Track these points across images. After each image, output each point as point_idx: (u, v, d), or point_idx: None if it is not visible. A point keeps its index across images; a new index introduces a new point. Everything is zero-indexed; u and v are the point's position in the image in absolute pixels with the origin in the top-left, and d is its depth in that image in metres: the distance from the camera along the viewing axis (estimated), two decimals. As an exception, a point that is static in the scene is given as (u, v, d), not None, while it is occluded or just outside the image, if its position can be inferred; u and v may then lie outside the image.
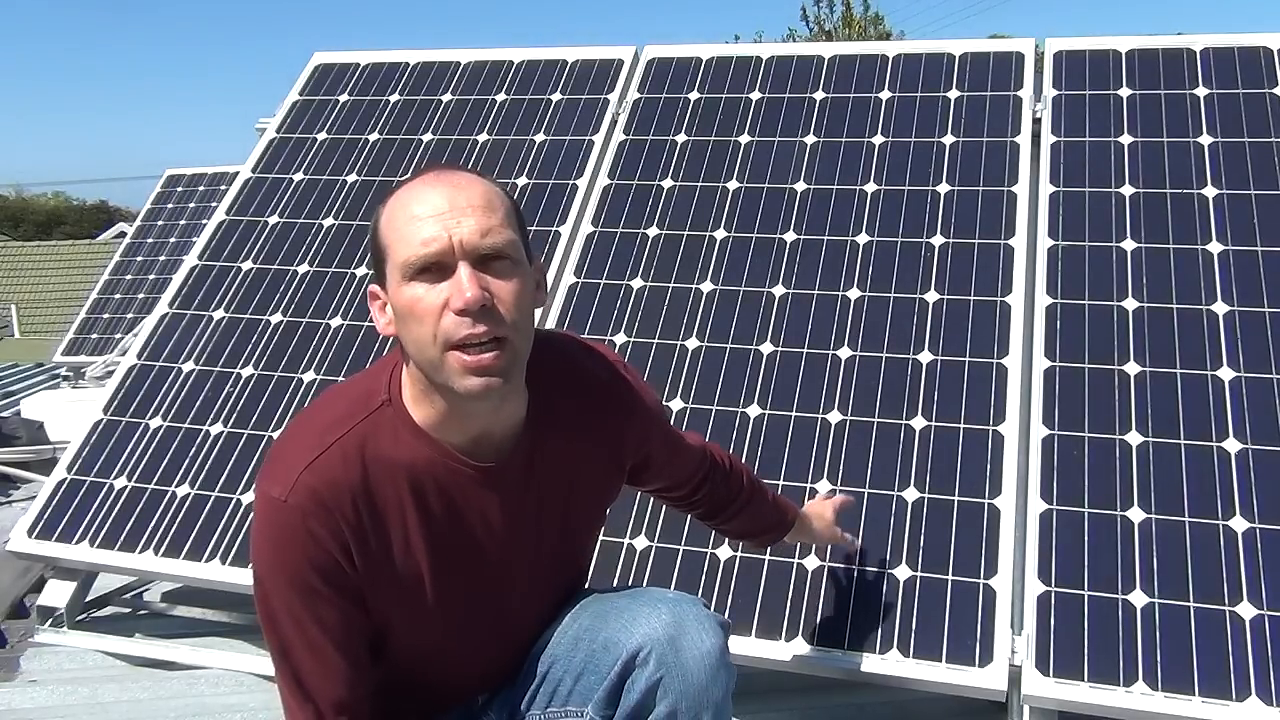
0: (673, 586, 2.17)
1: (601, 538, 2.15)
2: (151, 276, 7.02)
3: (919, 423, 2.31)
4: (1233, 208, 2.50)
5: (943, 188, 2.70)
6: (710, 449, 1.76)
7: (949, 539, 2.13)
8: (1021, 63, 2.92)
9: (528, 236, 1.36)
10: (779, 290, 2.60)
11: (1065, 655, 1.93)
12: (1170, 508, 2.08)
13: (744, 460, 2.29)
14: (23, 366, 7.27)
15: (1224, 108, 2.69)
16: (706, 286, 2.66)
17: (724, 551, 2.22)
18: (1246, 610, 1.93)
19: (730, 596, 2.14)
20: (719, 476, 1.76)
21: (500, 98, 3.26)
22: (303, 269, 2.97)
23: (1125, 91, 2.79)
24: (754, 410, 2.41)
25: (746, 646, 2.07)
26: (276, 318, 2.87)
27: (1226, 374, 2.24)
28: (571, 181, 2.97)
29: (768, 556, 2.19)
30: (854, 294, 2.55)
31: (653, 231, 2.80)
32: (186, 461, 2.62)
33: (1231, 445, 2.14)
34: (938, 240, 2.60)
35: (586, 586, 1.61)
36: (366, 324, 2.79)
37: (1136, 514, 2.08)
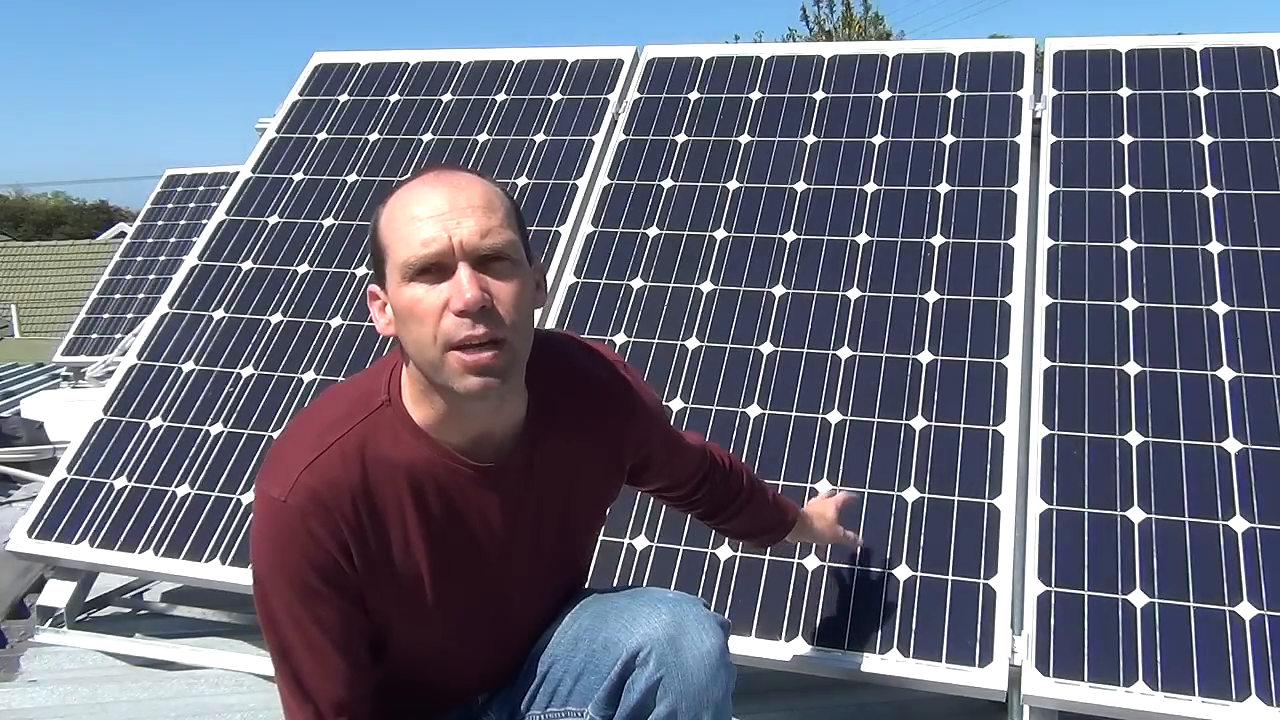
0: (673, 586, 2.17)
1: (601, 538, 2.15)
2: (151, 276, 7.02)
3: (919, 423, 2.31)
4: (1233, 208, 2.50)
5: (943, 188, 2.70)
6: (710, 449, 1.76)
7: (949, 539, 2.13)
8: (1021, 63, 2.92)
9: (528, 237, 1.36)
10: (779, 290, 2.60)
11: (1065, 655, 1.93)
12: (1170, 508, 2.08)
13: (744, 460, 2.29)
14: (23, 366, 7.27)
15: (1224, 108, 2.69)
16: (706, 286, 2.66)
17: (724, 551, 2.22)
18: (1246, 610, 1.93)
19: (730, 596, 2.14)
20: (719, 476, 1.76)
21: (500, 98, 3.26)
22: (303, 269, 2.97)
23: (1125, 91, 2.79)
24: (754, 410, 2.41)
25: (746, 646, 2.07)
26: (276, 318, 2.87)
27: (1226, 374, 2.24)
28: (571, 181, 2.97)
29: (768, 556, 2.19)
30: (854, 294, 2.55)
31: (653, 231, 2.80)
32: (186, 461, 2.62)
33: (1231, 445, 2.14)
34: (938, 240, 2.60)
35: (586, 586, 1.61)
36: (366, 324, 2.79)
37: (1136, 514, 2.08)
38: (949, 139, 2.79)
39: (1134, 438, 2.18)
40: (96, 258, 15.98)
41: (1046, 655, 1.94)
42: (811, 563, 2.16)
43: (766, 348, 2.51)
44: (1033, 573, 2.04)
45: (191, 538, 2.47)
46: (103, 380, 5.79)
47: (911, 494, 2.21)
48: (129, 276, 7.12)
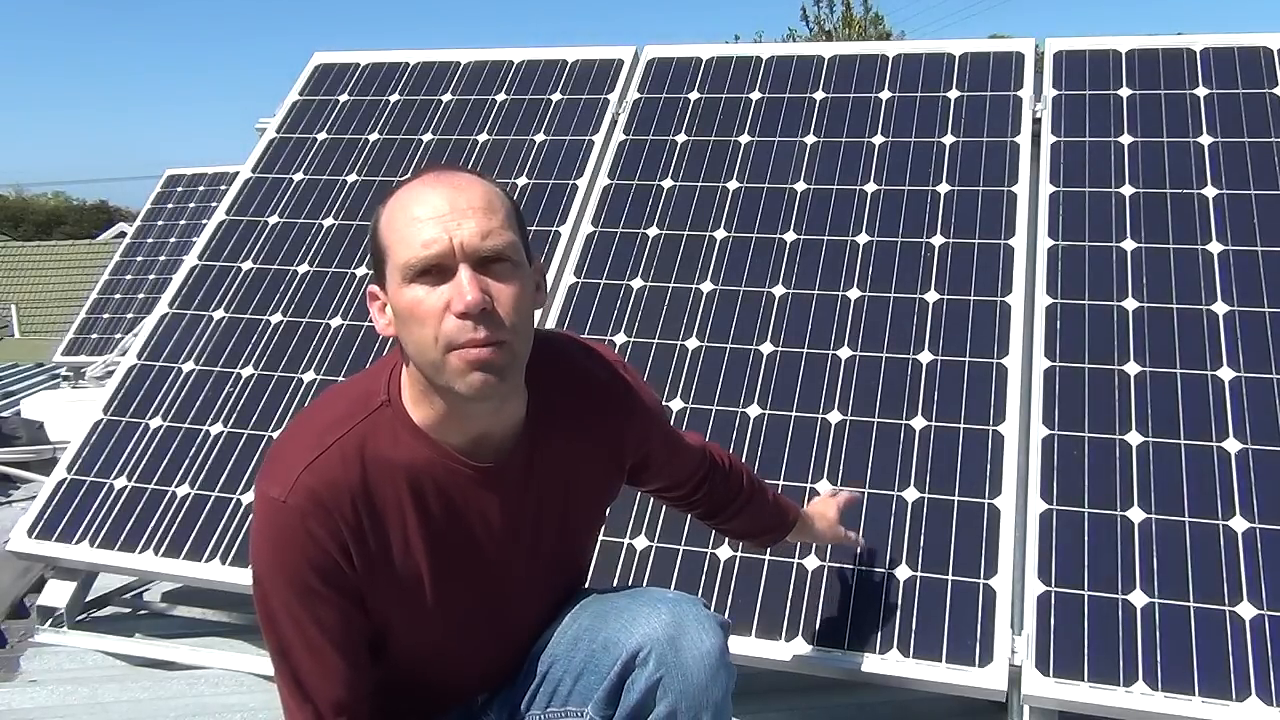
0: (673, 586, 2.17)
1: (601, 538, 2.15)
2: (151, 276, 7.02)
3: (919, 423, 2.31)
4: (1233, 208, 2.50)
5: (943, 188, 2.70)
6: (710, 449, 1.76)
7: (949, 539, 2.13)
8: (1021, 63, 2.92)
9: (528, 237, 1.36)
10: (779, 290, 2.60)
11: (1065, 655, 1.93)
12: (1170, 508, 2.08)
13: (744, 460, 2.28)
14: (23, 366, 7.27)
15: (1224, 108, 2.69)
16: (706, 286, 2.66)
17: (724, 551, 2.22)
18: (1246, 610, 1.93)
19: (730, 596, 2.14)
20: (719, 476, 1.76)
21: (500, 98, 3.26)
22: (303, 269, 2.97)
23: (1125, 91, 2.79)
24: (754, 410, 2.41)
25: (746, 646, 2.07)
26: (276, 318, 2.87)
27: (1226, 374, 2.24)
28: (571, 181, 2.97)
29: (768, 556, 2.19)
30: (854, 294, 2.55)
31: (653, 231, 2.80)
32: (186, 461, 2.62)
33: (1231, 445, 2.14)
34: (938, 240, 2.60)
35: (586, 586, 1.61)
36: (366, 324, 2.79)
37: (1136, 514, 2.08)
38: (949, 139, 2.79)
39: (1134, 438, 2.18)
40: (96, 258, 15.98)
41: (1046, 655, 1.94)
42: (811, 563, 2.16)
43: (766, 348, 2.51)
44: (1033, 573, 2.04)
45: (191, 538, 2.47)
46: (103, 380, 5.79)
47: (911, 494, 2.21)
48: (129, 276, 7.12)
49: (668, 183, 2.90)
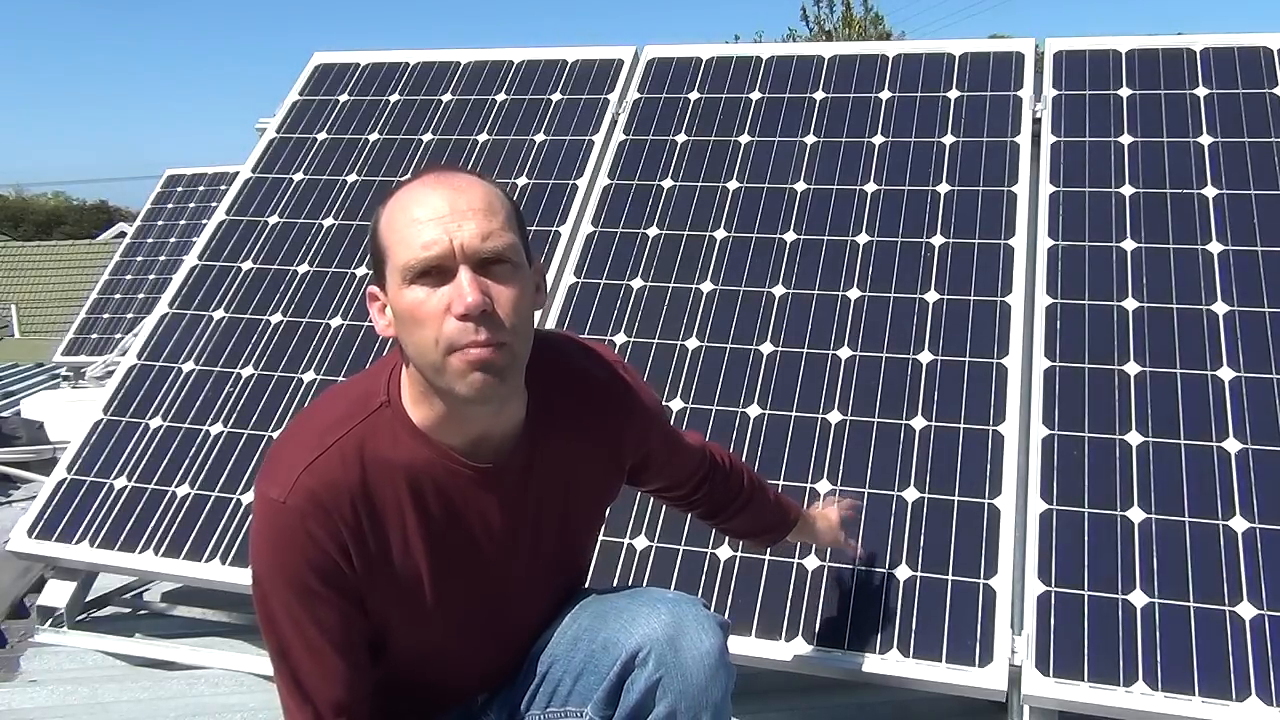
0: (673, 586, 2.17)
1: (601, 538, 2.15)
2: (151, 276, 7.02)
3: (919, 423, 2.31)
4: (1233, 208, 2.50)
5: (943, 188, 2.70)
6: (710, 448, 1.76)
7: (949, 539, 2.13)
8: (1021, 63, 2.92)
9: (528, 238, 1.36)
10: (779, 290, 2.60)
11: (1065, 655, 1.93)
12: (1170, 508, 2.08)
13: (744, 460, 2.28)
14: (23, 366, 7.27)
15: (1224, 108, 2.69)
16: (706, 286, 2.66)
17: (724, 551, 2.22)
18: (1246, 610, 1.93)
19: (730, 596, 2.14)
20: (719, 476, 1.76)
21: (500, 98, 3.26)
22: (303, 269, 2.97)
23: (1125, 91, 2.79)
24: (754, 410, 2.41)
25: (746, 646, 2.07)
26: (276, 318, 2.87)
27: (1226, 374, 2.24)
28: (571, 181, 2.97)
29: (768, 556, 2.19)
30: (854, 294, 2.55)
31: (653, 231, 2.80)
32: (186, 461, 2.62)
33: (1231, 445, 2.14)
34: (938, 240, 2.60)
35: (586, 586, 1.61)
36: (366, 324, 2.79)
37: (1136, 514, 2.08)
38: (949, 139, 2.79)
39: (1134, 438, 2.18)
40: (96, 258, 15.97)
41: (1046, 655, 1.94)
42: (811, 563, 2.16)
43: (766, 348, 2.51)
44: (1033, 573, 2.04)
45: (191, 538, 2.47)
46: (103, 380, 5.79)
47: (911, 494, 2.21)
48: (129, 276, 7.12)
49: (668, 183, 2.90)
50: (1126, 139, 2.68)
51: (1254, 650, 1.89)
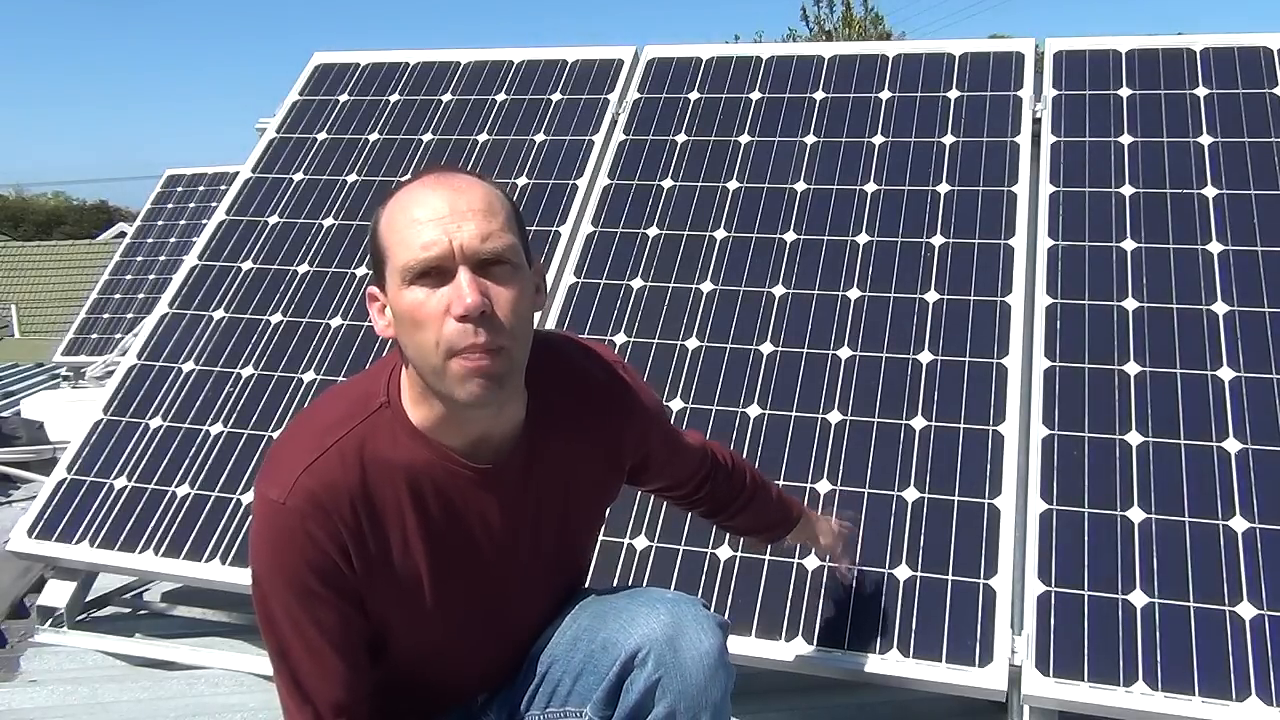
0: (673, 586, 2.17)
1: (601, 538, 2.15)
2: (151, 276, 7.02)
3: (919, 423, 2.30)
4: (1233, 208, 2.50)
5: (943, 188, 2.70)
6: (712, 447, 1.76)
7: (949, 539, 2.13)
8: (1021, 63, 2.92)
9: (528, 239, 1.36)
10: (779, 290, 2.60)
11: (1065, 655, 1.93)
12: (1170, 508, 2.08)
13: (743, 458, 2.28)
14: (23, 366, 7.27)
15: (1224, 108, 2.69)
16: (706, 286, 2.66)
17: (724, 551, 2.22)
18: (1246, 610, 1.93)
19: (730, 596, 2.14)
20: (721, 475, 1.76)
21: (500, 98, 3.26)
22: (303, 269, 2.97)
23: (1125, 91, 2.79)
24: (754, 410, 2.41)
25: (746, 646, 2.07)
26: (276, 318, 2.87)
27: (1226, 374, 2.24)
28: (571, 181, 2.97)
29: (768, 556, 2.19)
30: (854, 294, 2.55)
31: (653, 231, 2.80)
32: (186, 461, 2.62)
33: (1231, 445, 2.14)
34: (938, 240, 2.60)
35: (586, 586, 1.61)
36: (366, 324, 2.78)
37: (1136, 514, 2.08)
38: (949, 139, 2.79)
39: (1134, 438, 2.18)
40: (96, 258, 15.97)
41: (1046, 655, 1.94)
42: (811, 563, 2.16)
43: (766, 348, 2.51)
44: (1033, 573, 2.04)
45: (191, 538, 2.47)
46: (103, 380, 5.79)
47: (911, 494, 2.21)
48: (129, 276, 7.12)
49: (668, 183, 2.90)
50: (1126, 139, 2.68)
51: (1254, 650, 1.89)
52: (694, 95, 3.09)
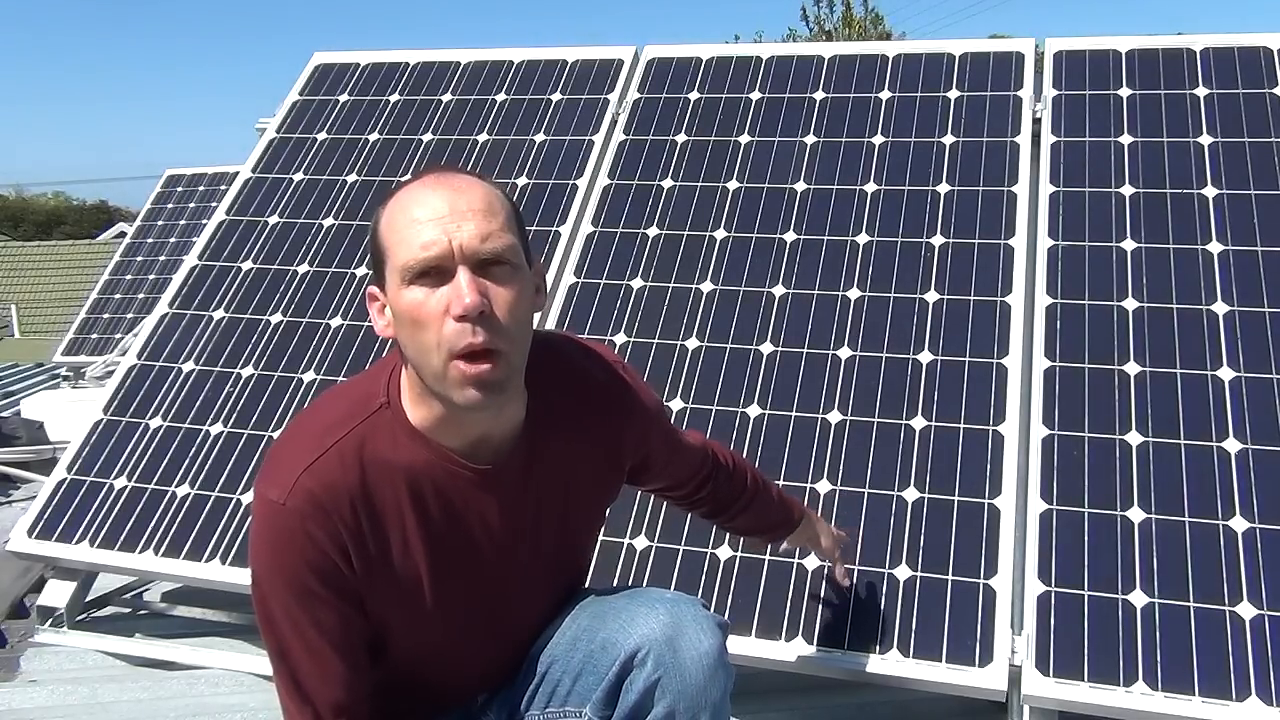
0: (673, 586, 2.17)
1: (601, 538, 2.15)
2: (151, 276, 7.02)
3: (919, 423, 2.30)
4: (1233, 208, 2.50)
5: (943, 188, 2.70)
6: (713, 447, 1.75)
7: (949, 539, 2.13)
8: (1021, 63, 2.92)
9: (528, 239, 1.36)
10: (779, 290, 2.60)
11: (1065, 655, 1.93)
12: (1170, 508, 2.08)
13: (744, 458, 2.28)
14: (23, 366, 7.27)
15: (1224, 108, 2.69)
16: (706, 286, 2.66)
17: (724, 551, 2.22)
18: (1246, 610, 1.93)
19: (730, 596, 2.14)
20: (722, 476, 1.76)
21: (500, 98, 3.26)
22: (303, 269, 2.97)
23: (1125, 91, 2.79)
24: (754, 410, 2.41)
25: (746, 646, 2.06)
26: (276, 318, 2.87)
27: (1226, 374, 2.24)
28: (571, 181, 2.97)
29: (768, 556, 2.19)
30: (854, 294, 2.55)
31: (653, 231, 2.80)
32: (186, 461, 2.62)
33: (1231, 445, 2.14)
34: (938, 240, 2.60)
35: (586, 586, 1.61)
36: (366, 324, 2.78)
37: (1136, 514, 2.08)
38: (949, 139, 2.79)
39: (1134, 438, 2.18)
40: (96, 258, 15.97)
41: (1046, 655, 1.94)
42: (811, 563, 2.16)
43: (766, 348, 2.51)
44: (1033, 573, 2.04)
45: (191, 538, 2.47)
46: (103, 380, 5.79)
47: (911, 494, 2.21)
48: (129, 276, 7.12)
49: (668, 183, 2.90)
50: (1126, 139, 2.68)
51: (1254, 650, 1.89)
52: (694, 95, 3.09)
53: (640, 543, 2.26)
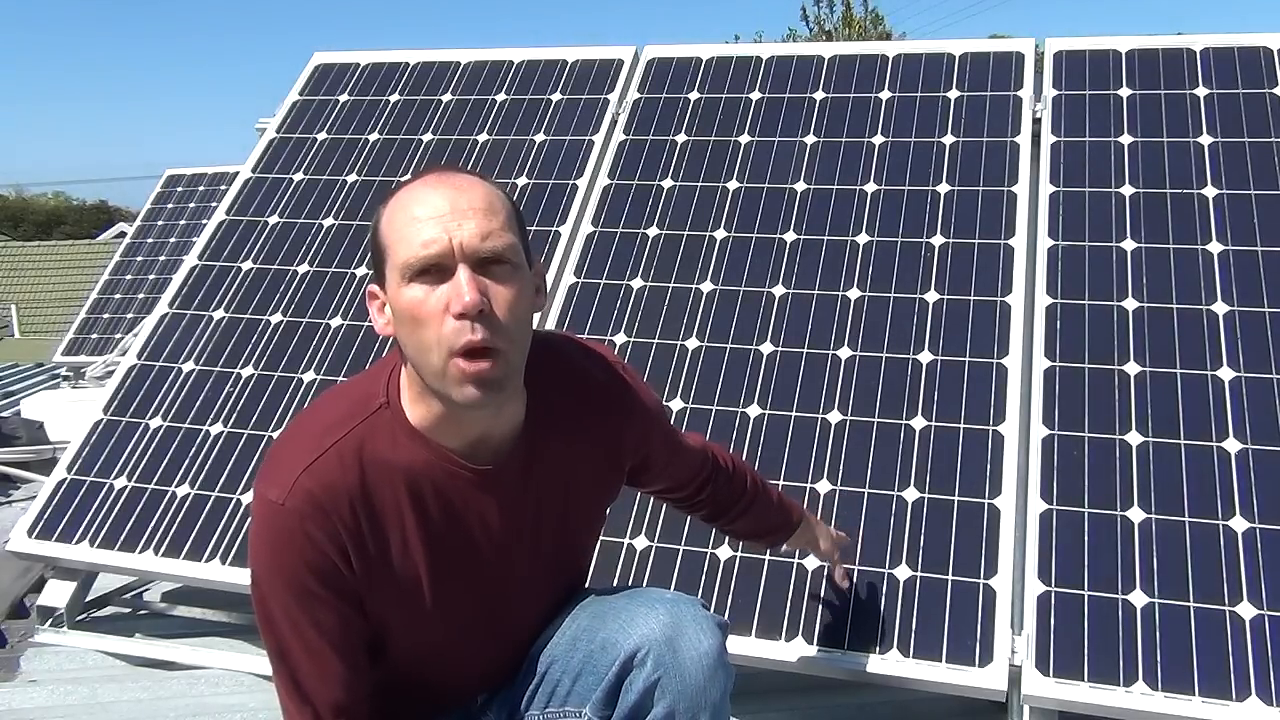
0: (673, 586, 2.17)
1: (601, 538, 2.14)
2: (151, 276, 7.02)
3: (919, 423, 2.30)
4: (1233, 208, 2.50)
5: (943, 188, 2.70)
6: (713, 450, 1.75)
7: (949, 539, 2.13)
8: (1021, 63, 2.92)
9: (528, 239, 1.36)
10: (779, 290, 2.60)
11: (1065, 655, 1.93)
12: (1170, 508, 2.08)
13: (744, 460, 2.28)
14: (23, 366, 7.27)
15: (1224, 108, 2.69)
16: (706, 286, 2.66)
17: (724, 551, 2.22)
18: (1246, 610, 1.93)
19: (730, 596, 2.14)
20: (722, 479, 1.76)
21: (500, 98, 3.26)
22: (303, 269, 2.97)
23: (1125, 91, 2.79)
24: (754, 410, 2.41)
25: (746, 646, 2.06)
26: (276, 318, 2.87)
27: (1226, 374, 2.24)
28: (571, 181, 2.97)
29: (768, 556, 2.19)
30: (854, 294, 2.55)
31: (653, 231, 2.80)
32: (186, 461, 2.62)
33: (1231, 445, 2.14)
34: (938, 240, 2.60)
35: (586, 586, 1.61)
36: (366, 324, 2.78)
37: (1136, 514, 2.08)
38: (949, 139, 2.79)
39: (1134, 438, 2.18)
40: (96, 258, 15.97)
41: (1046, 655, 1.94)
42: (811, 563, 2.16)
43: (766, 348, 2.51)
44: (1033, 573, 2.04)
45: (191, 538, 2.47)
46: (103, 380, 5.79)
47: (911, 494, 2.21)
48: (129, 276, 7.12)
49: (668, 183, 2.90)
50: (1126, 139, 2.68)
51: (1254, 650, 1.89)
52: (694, 95, 3.09)
53: (640, 543, 2.26)
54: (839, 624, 2.07)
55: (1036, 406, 2.26)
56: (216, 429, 2.67)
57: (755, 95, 3.05)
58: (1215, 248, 2.44)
